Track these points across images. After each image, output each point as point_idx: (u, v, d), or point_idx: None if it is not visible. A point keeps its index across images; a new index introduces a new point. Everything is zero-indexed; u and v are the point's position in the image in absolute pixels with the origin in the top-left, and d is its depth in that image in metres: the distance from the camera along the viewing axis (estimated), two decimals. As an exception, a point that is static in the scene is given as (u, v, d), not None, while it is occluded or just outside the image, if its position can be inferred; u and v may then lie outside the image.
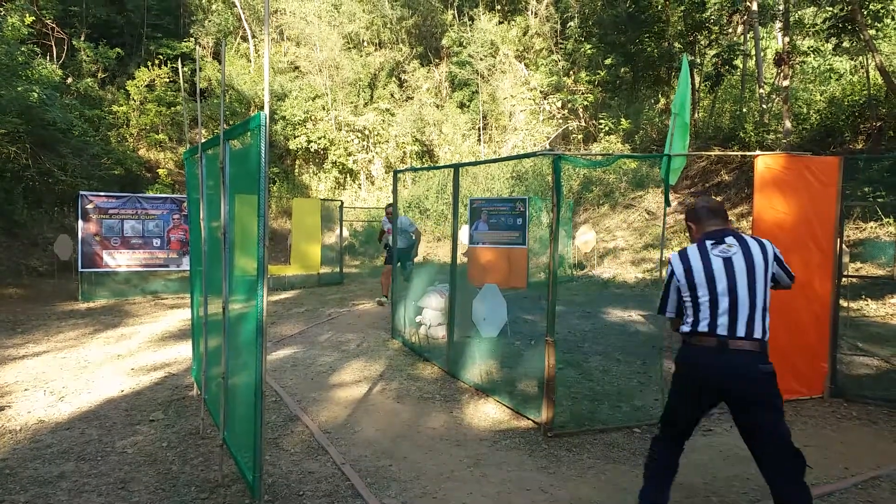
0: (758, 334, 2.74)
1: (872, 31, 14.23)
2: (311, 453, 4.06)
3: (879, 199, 11.00)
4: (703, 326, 2.78)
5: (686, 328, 2.87)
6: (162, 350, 7.10)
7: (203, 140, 4.34)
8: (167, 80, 21.41)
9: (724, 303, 2.74)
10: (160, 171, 19.69)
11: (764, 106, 16.90)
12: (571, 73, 23.71)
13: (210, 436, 4.28)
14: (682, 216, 3.12)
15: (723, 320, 2.74)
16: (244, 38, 26.94)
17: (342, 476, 3.70)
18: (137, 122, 20.68)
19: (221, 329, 3.64)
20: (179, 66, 5.40)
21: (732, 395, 2.76)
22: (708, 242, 2.88)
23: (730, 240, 2.84)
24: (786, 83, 15.05)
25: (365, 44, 27.62)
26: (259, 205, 3.00)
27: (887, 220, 10.89)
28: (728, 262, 2.78)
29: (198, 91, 4.81)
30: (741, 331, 2.71)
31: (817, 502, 3.41)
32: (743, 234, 2.88)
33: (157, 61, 21.59)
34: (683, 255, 2.92)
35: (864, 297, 9.20)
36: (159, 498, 3.41)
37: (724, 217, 3.03)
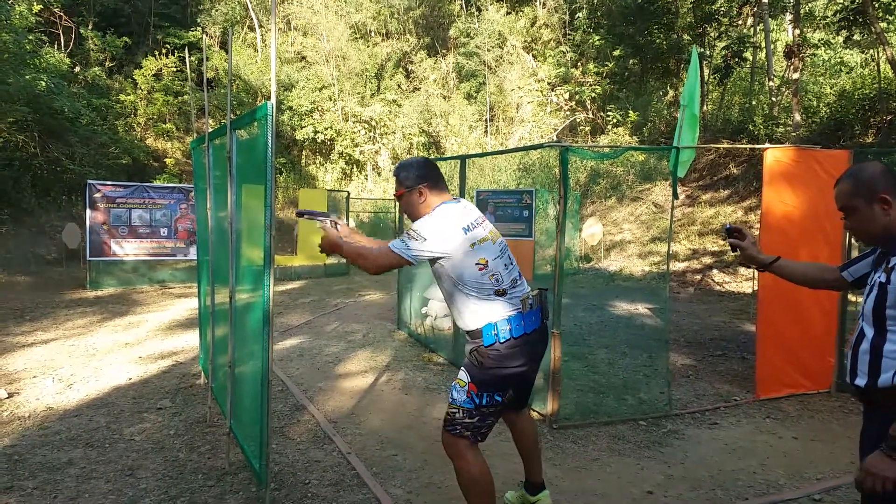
0: None
1: (883, 24, 14.09)
2: (317, 442, 4.08)
3: (889, 194, 10.89)
4: None
5: None
6: (169, 339, 7.13)
7: (210, 130, 4.34)
8: (174, 69, 21.40)
9: None
10: (167, 161, 19.72)
11: (773, 99, 16.76)
12: (579, 64, 23.59)
13: (217, 424, 4.30)
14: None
15: None
16: (251, 28, 26.88)
17: (348, 465, 3.72)
18: (145, 112, 20.70)
19: (228, 318, 3.66)
20: (186, 55, 5.40)
21: None
22: None
23: None
24: (796, 76, 14.93)
25: (372, 34, 27.54)
26: (266, 195, 2.99)
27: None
28: None
29: (205, 81, 4.81)
30: None
31: (825, 497, 3.41)
32: None
33: (164, 50, 21.58)
34: None
35: (872, 291, 9.15)
36: (166, 485, 3.43)
37: None
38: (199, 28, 24.44)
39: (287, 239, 17.33)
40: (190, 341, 6.88)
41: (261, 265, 3.05)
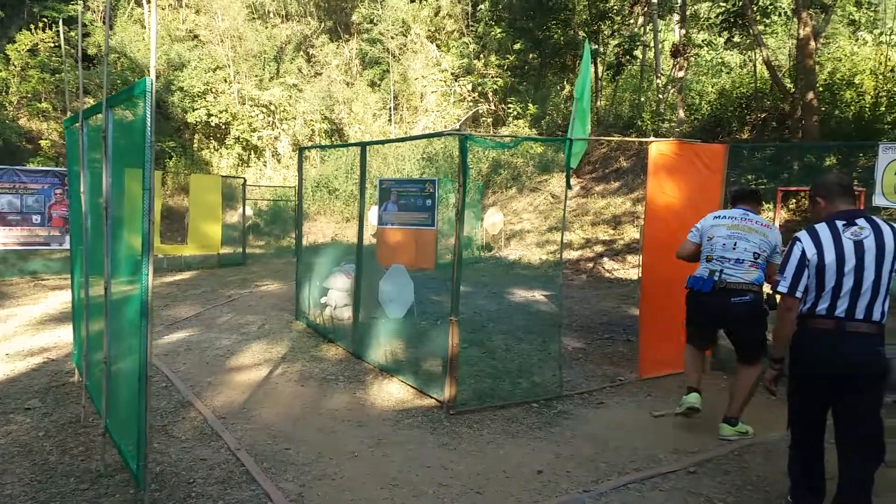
0: (876, 317, 2.71)
1: (761, 27, 15.19)
2: (204, 439, 3.91)
3: (761, 186, 11.81)
4: (821, 309, 2.75)
5: (803, 308, 2.82)
6: (41, 334, 6.59)
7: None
8: (52, 44, 19.75)
9: (847, 285, 2.70)
10: (42, 143, 18.20)
11: (660, 96, 17.70)
12: (482, 56, 23.86)
13: (92, 424, 4.02)
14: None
15: (843, 303, 2.71)
16: (138, 3, 25.22)
17: (237, 462, 3.58)
18: (18, 90, 19.01)
19: (104, 311, 3.41)
20: (61, 28, 4.95)
21: (845, 378, 2.71)
22: (839, 223, 2.79)
23: (861, 222, 2.77)
24: (681, 74, 15.83)
25: (270, 15, 26.59)
26: (144, 177, 2.80)
27: (768, 205, 11.72)
28: (859, 246, 2.71)
29: (79, 55, 4.46)
30: (860, 314, 2.70)
31: (698, 469, 3.63)
32: (875, 218, 2.81)
33: (41, 24, 19.84)
34: (814, 234, 2.80)
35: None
36: (34, 490, 3.18)
37: (854, 196, 2.94)
38: (80, 1, 22.62)
39: (177, 227, 16.48)
40: (63, 336, 6.38)
41: (139, 253, 2.86)
